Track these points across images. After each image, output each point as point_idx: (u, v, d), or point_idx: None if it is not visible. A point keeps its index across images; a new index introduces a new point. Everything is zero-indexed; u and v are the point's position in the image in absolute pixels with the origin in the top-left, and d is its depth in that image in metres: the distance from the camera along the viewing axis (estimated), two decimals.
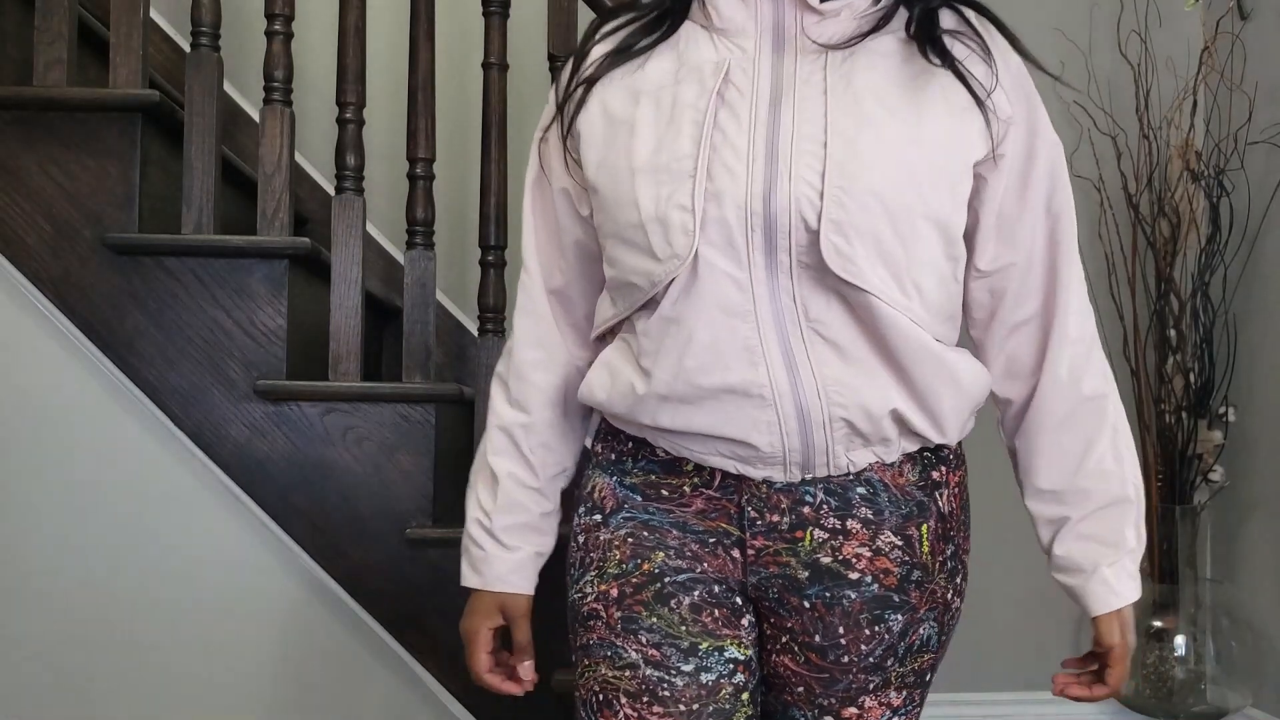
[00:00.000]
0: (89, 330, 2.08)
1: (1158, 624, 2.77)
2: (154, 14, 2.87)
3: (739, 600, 1.22)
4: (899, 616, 1.21)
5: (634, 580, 1.21)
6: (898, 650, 1.22)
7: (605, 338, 1.28)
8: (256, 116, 2.82)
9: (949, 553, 1.24)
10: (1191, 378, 2.81)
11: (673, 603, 1.20)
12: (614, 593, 1.22)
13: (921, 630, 1.23)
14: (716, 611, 1.20)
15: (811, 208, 1.10)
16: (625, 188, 1.16)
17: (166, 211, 2.21)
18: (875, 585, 1.20)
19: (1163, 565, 2.78)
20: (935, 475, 1.23)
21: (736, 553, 1.21)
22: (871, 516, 1.20)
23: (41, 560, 2.11)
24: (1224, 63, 2.84)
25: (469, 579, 1.32)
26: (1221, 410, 2.82)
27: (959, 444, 1.26)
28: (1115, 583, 1.24)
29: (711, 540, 1.21)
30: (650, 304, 1.17)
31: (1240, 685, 2.73)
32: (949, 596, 1.25)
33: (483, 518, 1.31)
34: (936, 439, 1.19)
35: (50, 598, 2.12)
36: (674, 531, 1.22)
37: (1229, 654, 2.74)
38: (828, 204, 1.10)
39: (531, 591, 1.32)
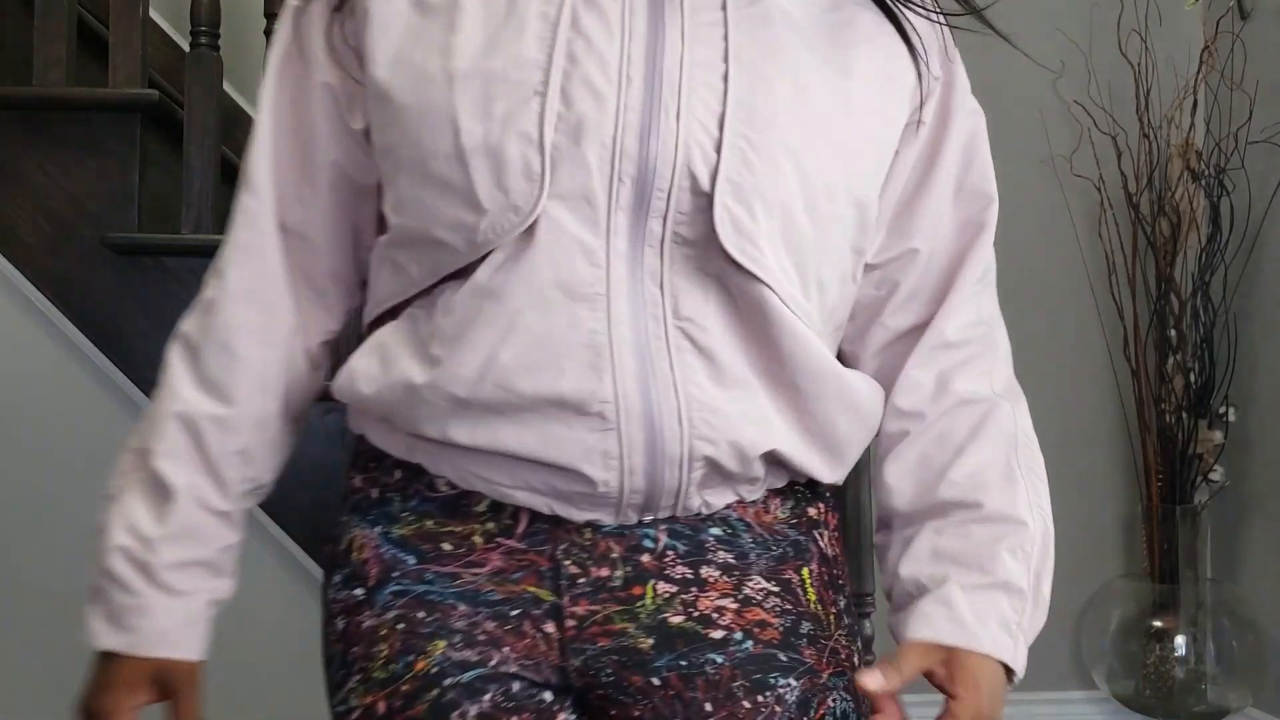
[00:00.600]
0: (89, 330, 2.07)
1: (1158, 624, 2.77)
2: (154, 14, 2.87)
3: (549, 696, 0.89)
4: (792, 681, 0.88)
5: (404, 687, 0.87)
6: None
7: (383, 320, 0.92)
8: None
9: (841, 605, 0.94)
10: (1192, 377, 2.81)
11: (455, 716, 0.87)
12: (381, 707, 0.88)
13: (832, 702, 0.89)
14: None
15: (704, 160, 0.81)
16: (438, 99, 0.83)
17: (166, 211, 2.21)
18: (750, 643, 0.89)
19: (1163, 565, 2.78)
20: (812, 512, 0.95)
21: (550, 626, 0.88)
22: (733, 560, 0.90)
23: (40, 560, 2.11)
24: (1224, 62, 2.84)
25: (105, 637, 0.90)
26: (1222, 410, 2.82)
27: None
28: (966, 611, 0.86)
29: (514, 613, 0.88)
30: (461, 272, 0.84)
31: (1241, 685, 2.73)
32: (856, 661, 0.94)
33: (136, 547, 0.90)
34: (827, 478, 0.92)
35: (49, 597, 2.12)
36: (460, 607, 0.88)
37: (1229, 654, 2.74)
38: (728, 158, 0.81)
39: (203, 655, 0.95)
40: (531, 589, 0.88)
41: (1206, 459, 2.80)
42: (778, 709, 0.88)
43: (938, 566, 0.89)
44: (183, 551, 0.92)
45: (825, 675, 0.90)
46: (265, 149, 0.94)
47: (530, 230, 0.81)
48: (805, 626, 0.91)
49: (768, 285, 0.83)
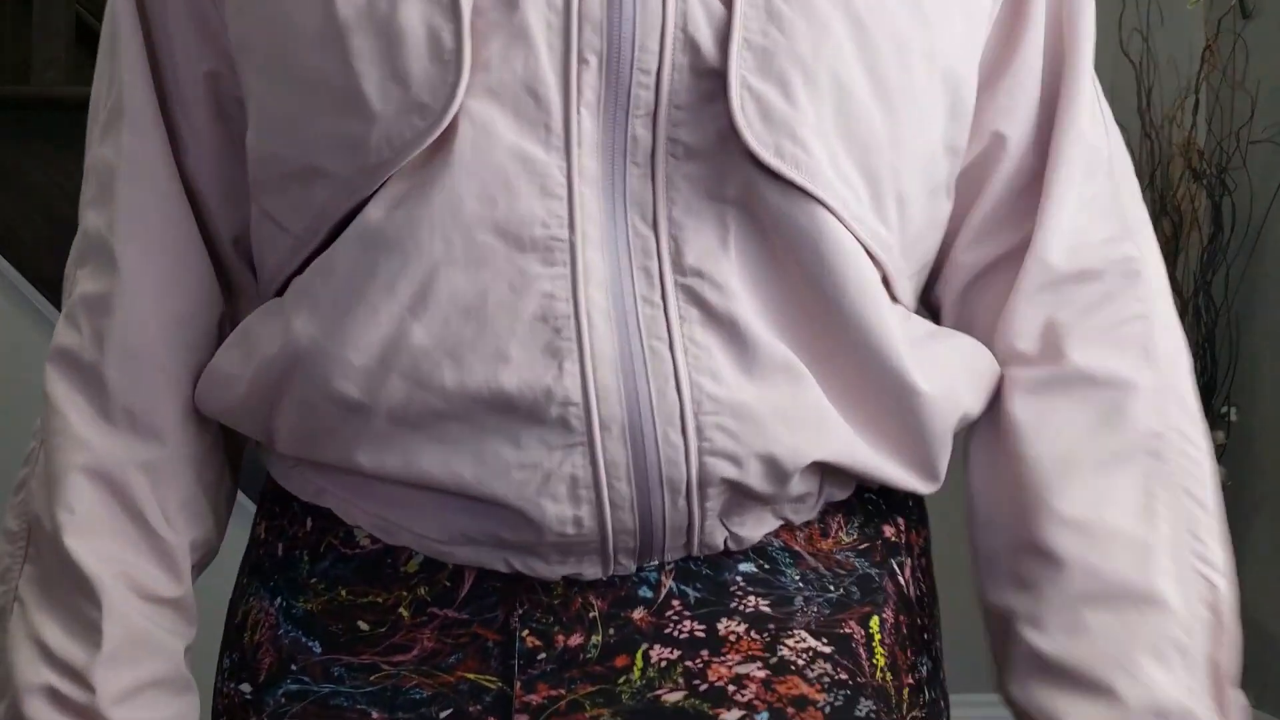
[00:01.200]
0: None
1: None
2: None
3: None
4: None
5: None
6: None
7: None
8: None
9: (925, 672, 0.67)
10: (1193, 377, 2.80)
11: None
12: None
13: None
14: None
15: (709, 18, 0.56)
16: None
17: None
18: None
19: None
20: (889, 532, 0.67)
21: None
22: (768, 608, 0.62)
23: None
24: (1226, 61, 2.83)
25: None
26: (1224, 410, 2.81)
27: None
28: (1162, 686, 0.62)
29: (446, 715, 0.62)
30: (349, 218, 0.59)
31: (1241, 685, 2.72)
32: None
33: (62, 684, 0.61)
34: (916, 486, 0.65)
35: None
36: (373, 714, 0.63)
37: None
38: (745, 10, 0.55)
39: None
40: (471, 676, 0.62)
41: None
42: None
43: (1104, 631, 0.62)
44: (132, 673, 0.63)
45: None
46: (136, 65, 0.64)
47: (445, 141, 0.55)
48: (865, 707, 0.63)
49: (822, 202, 0.57)
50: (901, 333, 0.61)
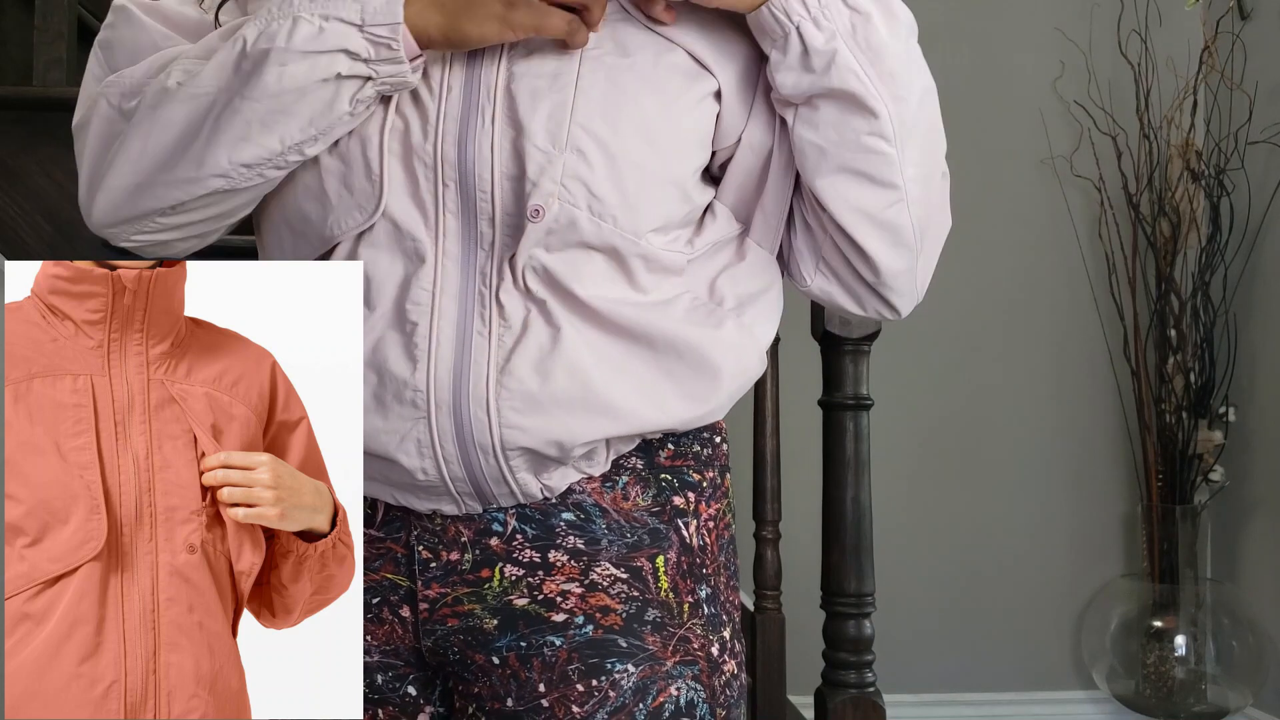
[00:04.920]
0: None
1: (1158, 624, 2.77)
2: None
3: (413, 691, 0.94)
4: (630, 668, 0.89)
5: None
6: (635, 716, 0.89)
7: None
8: None
9: (703, 595, 0.94)
10: (1192, 377, 2.81)
11: None
12: None
13: (675, 690, 0.90)
14: (380, 713, 0.94)
15: (517, 163, 0.86)
16: None
17: None
18: (590, 627, 0.90)
19: (1163, 565, 2.78)
20: (678, 501, 0.94)
21: (406, 610, 0.92)
22: (583, 546, 0.91)
23: None
24: (1224, 62, 2.84)
25: (383, 8, 0.83)
26: (1222, 410, 2.82)
27: (717, 473, 0.97)
28: None
29: (375, 601, 0.92)
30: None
31: (1241, 685, 2.73)
32: (715, 652, 0.93)
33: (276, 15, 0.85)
34: (692, 424, 0.92)
35: None
36: None
37: (1229, 654, 2.74)
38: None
39: None
40: (390, 575, 0.92)
41: (1206, 459, 2.80)
42: (611, 694, 0.89)
43: None
44: None
45: (669, 663, 0.90)
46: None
47: (370, 227, 0.87)
48: (651, 614, 0.91)
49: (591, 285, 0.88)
50: (689, 327, 0.89)
